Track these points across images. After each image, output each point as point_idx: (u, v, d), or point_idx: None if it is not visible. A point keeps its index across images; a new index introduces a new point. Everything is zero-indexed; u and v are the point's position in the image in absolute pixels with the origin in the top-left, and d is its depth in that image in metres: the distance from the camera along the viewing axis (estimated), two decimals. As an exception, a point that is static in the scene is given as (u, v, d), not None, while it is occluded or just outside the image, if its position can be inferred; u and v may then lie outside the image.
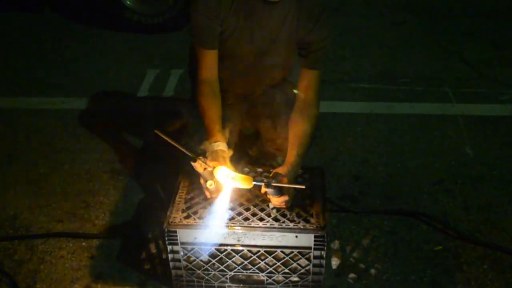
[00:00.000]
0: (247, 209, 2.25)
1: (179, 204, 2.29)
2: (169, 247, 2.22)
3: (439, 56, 4.60)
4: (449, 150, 3.35)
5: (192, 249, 2.22)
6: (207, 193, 2.22)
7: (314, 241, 2.14)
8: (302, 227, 2.15)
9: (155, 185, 2.97)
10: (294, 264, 2.21)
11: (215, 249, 2.20)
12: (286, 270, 2.23)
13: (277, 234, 2.15)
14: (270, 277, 2.26)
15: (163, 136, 2.12)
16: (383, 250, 2.61)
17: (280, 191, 2.15)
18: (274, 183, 2.11)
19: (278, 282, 2.27)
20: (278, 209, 2.24)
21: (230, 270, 2.26)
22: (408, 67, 4.40)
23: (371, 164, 3.21)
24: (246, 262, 2.23)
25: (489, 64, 4.42)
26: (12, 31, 5.15)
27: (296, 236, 2.15)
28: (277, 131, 2.55)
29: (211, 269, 2.27)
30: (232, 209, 2.24)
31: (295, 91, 2.46)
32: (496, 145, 3.39)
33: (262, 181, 2.14)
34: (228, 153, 2.26)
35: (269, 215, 2.22)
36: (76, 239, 2.69)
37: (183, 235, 2.19)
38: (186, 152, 2.15)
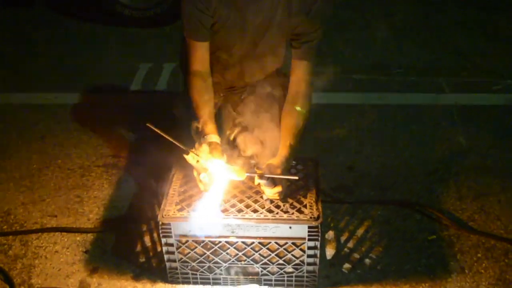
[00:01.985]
0: (241, 201, 2.25)
1: (173, 197, 2.29)
2: (163, 240, 2.22)
3: (432, 46, 4.60)
4: (442, 140, 3.36)
5: (186, 241, 2.22)
6: (201, 186, 2.21)
7: (308, 232, 2.14)
8: (296, 218, 2.15)
9: (149, 179, 2.97)
10: (289, 255, 2.22)
11: (209, 241, 2.21)
12: (281, 261, 2.24)
13: (271, 225, 2.15)
14: (264, 268, 2.27)
15: (155, 130, 2.12)
16: (378, 240, 2.62)
17: (273, 182, 2.15)
18: (267, 174, 2.12)
19: (272, 273, 2.28)
20: (271, 201, 2.24)
21: (225, 262, 2.26)
22: (401, 58, 4.40)
23: (365, 155, 3.22)
24: (240, 254, 2.23)
25: (482, 54, 4.43)
26: (3, 27, 5.12)
27: (290, 227, 2.15)
28: (270, 122, 2.54)
29: (205, 261, 2.27)
30: (225, 201, 2.24)
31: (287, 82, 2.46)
32: (490, 134, 3.40)
33: (255, 172, 2.14)
34: (221, 145, 2.25)
35: (262, 207, 2.22)
36: (71, 233, 2.69)
37: (177, 227, 2.19)
38: (179, 145, 2.14)
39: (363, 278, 2.42)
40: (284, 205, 2.22)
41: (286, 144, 2.27)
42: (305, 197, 2.27)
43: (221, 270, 2.29)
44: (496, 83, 3.99)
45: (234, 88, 2.64)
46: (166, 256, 2.28)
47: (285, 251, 2.21)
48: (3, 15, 5.28)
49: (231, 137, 2.39)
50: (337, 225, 2.69)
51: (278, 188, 2.16)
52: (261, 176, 2.11)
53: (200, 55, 2.40)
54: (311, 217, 2.15)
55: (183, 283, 2.35)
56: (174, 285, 2.36)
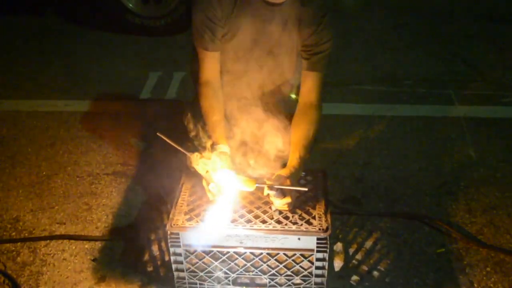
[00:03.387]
0: (250, 211, 2.25)
1: (181, 206, 2.28)
2: (171, 250, 2.22)
3: (442, 58, 4.60)
4: (452, 152, 3.35)
5: (195, 251, 2.22)
6: (210, 196, 2.21)
7: (317, 243, 2.14)
8: (304, 230, 2.15)
9: (158, 188, 2.97)
10: (297, 267, 2.21)
11: (218, 251, 2.20)
12: (289, 273, 2.23)
13: (280, 236, 2.15)
14: (272, 280, 2.26)
15: (165, 139, 2.13)
16: (386, 252, 2.61)
17: (282, 193, 2.14)
18: (276, 185, 2.11)
19: (280, 284, 2.27)
20: (280, 211, 2.23)
21: (233, 273, 2.26)
22: (411, 69, 4.40)
23: (374, 167, 3.21)
24: (248, 265, 2.23)
25: (491, 66, 4.43)
26: (15, 34, 5.16)
27: (299, 239, 2.14)
28: (279, 133, 2.54)
29: (213, 272, 2.26)
30: (234, 211, 2.24)
31: (294, 95, 2.47)
32: (499, 147, 3.39)
33: (264, 183, 2.14)
34: (231, 155, 2.25)
35: (271, 217, 2.21)
36: (79, 241, 2.69)
37: (185, 237, 2.18)
38: (189, 155, 2.15)
39: (371, 290, 2.42)
40: (293, 216, 2.21)
41: (295, 155, 2.27)
42: (314, 208, 2.26)
43: (229, 280, 2.28)
44: (505, 96, 3.98)
45: (244, 98, 2.64)
46: (174, 266, 2.27)
47: (293, 262, 2.20)
48: (14, 23, 5.32)
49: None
50: (346, 237, 2.69)
51: (287, 199, 2.16)
52: (270, 187, 2.11)
53: (210, 65, 2.41)
54: (319, 229, 2.15)
55: (190, 293, 2.35)
56: (181, 294, 2.36)
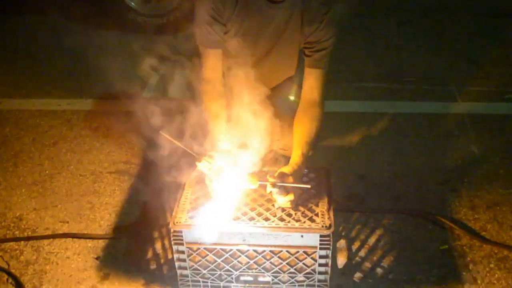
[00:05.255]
0: (253, 209, 2.24)
1: (184, 204, 2.28)
2: (174, 247, 2.22)
3: (445, 54, 4.59)
4: (455, 149, 3.34)
5: (198, 249, 2.22)
6: (213, 193, 2.21)
7: (320, 240, 2.14)
8: (307, 227, 2.14)
9: (160, 186, 2.97)
10: (300, 264, 2.21)
11: (221, 249, 2.20)
12: (292, 270, 2.23)
13: (283, 233, 2.15)
14: (275, 277, 2.26)
15: (168, 137, 2.13)
16: (389, 249, 2.60)
17: (285, 191, 2.14)
18: (279, 182, 2.11)
19: (283, 282, 2.27)
20: (283, 209, 2.23)
21: (236, 270, 2.26)
22: (414, 66, 4.39)
23: (377, 164, 3.21)
24: (251, 262, 2.22)
25: (494, 62, 4.41)
26: (16, 34, 5.16)
27: (302, 236, 2.14)
28: (282, 131, 2.54)
29: (216, 269, 2.26)
30: (237, 209, 2.24)
31: (292, 97, 2.47)
32: (502, 143, 3.38)
33: (267, 180, 2.13)
34: (233, 152, 2.25)
35: (274, 215, 2.21)
36: (82, 240, 2.70)
37: (188, 235, 2.18)
38: (191, 153, 2.15)
39: (374, 287, 2.41)
40: (295, 214, 2.21)
41: (298, 153, 2.26)
42: (317, 205, 2.26)
43: (232, 278, 2.28)
44: (508, 92, 3.96)
45: (246, 96, 2.63)
46: (177, 264, 2.27)
47: (296, 259, 2.20)
48: (17, 22, 5.32)
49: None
50: (349, 234, 2.68)
51: (290, 197, 2.15)
52: (273, 184, 2.11)
53: (213, 63, 2.41)
54: (322, 226, 2.14)
55: (193, 291, 2.35)
56: (184, 292, 2.37)
